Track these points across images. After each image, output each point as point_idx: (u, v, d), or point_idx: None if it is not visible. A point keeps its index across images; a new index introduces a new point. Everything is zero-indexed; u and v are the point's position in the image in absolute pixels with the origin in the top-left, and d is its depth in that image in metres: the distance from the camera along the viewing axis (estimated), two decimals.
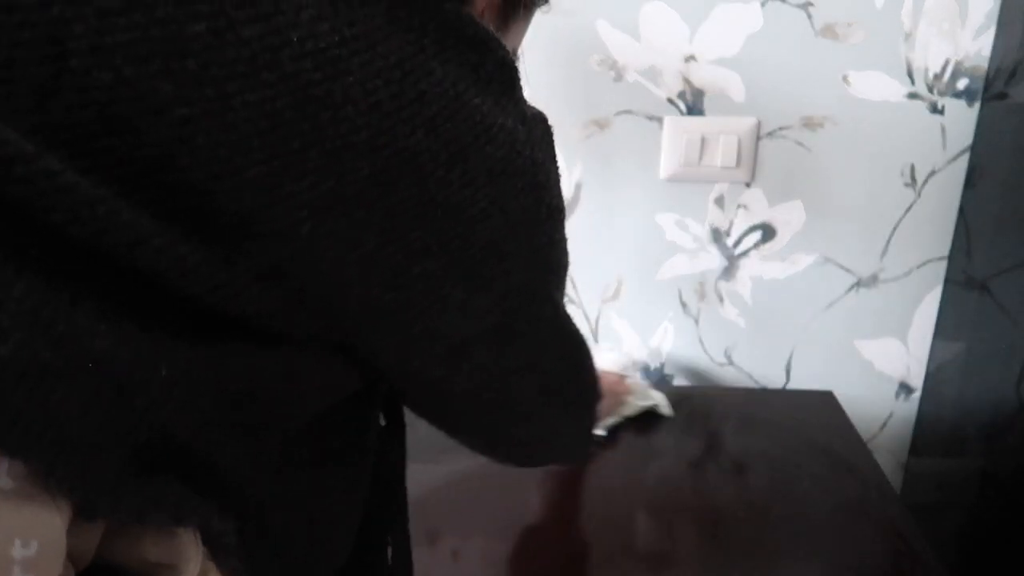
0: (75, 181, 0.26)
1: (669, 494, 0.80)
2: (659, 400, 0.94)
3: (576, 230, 1.01)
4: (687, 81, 0.93)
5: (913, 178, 0.96)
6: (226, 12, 0.27)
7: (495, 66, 0.34)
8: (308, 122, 0.28)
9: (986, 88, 0.90)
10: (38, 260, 0.26)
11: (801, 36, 0.90)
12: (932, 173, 0.95)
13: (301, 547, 0.40)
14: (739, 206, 0.99)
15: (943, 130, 0.93)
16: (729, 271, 1.02)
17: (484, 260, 0.34)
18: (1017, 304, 0.82)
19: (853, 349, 1.05)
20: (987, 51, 0.89)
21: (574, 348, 0.47)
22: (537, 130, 0.36)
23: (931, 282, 1.00)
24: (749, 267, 1.02)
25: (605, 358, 0.97)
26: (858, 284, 1.01)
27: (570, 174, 0.98)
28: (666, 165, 0.96)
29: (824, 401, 1.00)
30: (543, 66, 0.93)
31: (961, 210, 0.96)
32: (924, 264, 0.99)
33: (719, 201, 0.99)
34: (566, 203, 0.99)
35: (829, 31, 0.90)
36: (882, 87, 0.92)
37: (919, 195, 0.96)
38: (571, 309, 1.04)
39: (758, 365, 1.07)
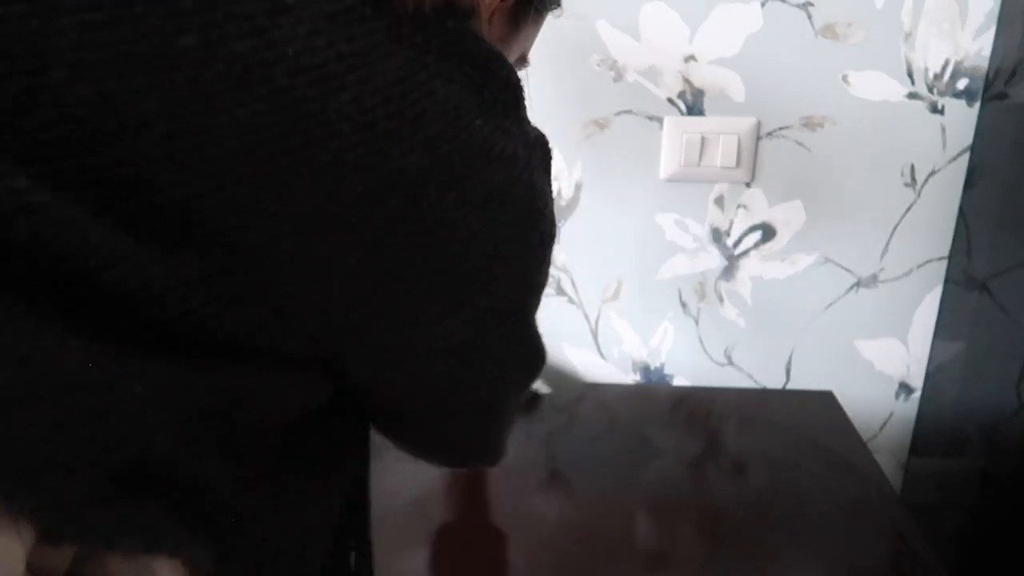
0: (43, 200, 0.25)
1: (669, 494, 0.80)
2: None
3: (576, 230, 1.01)
4: (687, 81, 0.93)
5: (913, 178, 0.96)
6: (219, 25, 0.26)
7: (500, 86, 0.33)
8: (299, 138, 0.27)
9: (986, 88, 0.90)
10: (1, 278, 0.25)
11: (801, 36, 0.90)
12: (932, 173, 0.95)
13: (277, 561, 0.40)
14: (739, 206, 0.99)
15: (943, 130, 0.93)
16: (729, 271, 1.02)
17: (468, 282, 0.34)
18: (1017, 304, 0.82)
19: (853, 349, 1.05)
20: (987, 51, 0.89)
21: (537, 360, 0.47)
22: (537, 154, 0.36)
23: (931, 282, 1.00)
24: (749, 267, 1.02)
25: None
26: (858, 284, 1.01)
27: (570, 174, 0.98)
28: (666, 165, 0.96)
29: (824, 401, 1.00)
30: (543, 66, 0.93)
31: (961, 210, 0.96)
32: (924, 264, 0.99)
33: (719, 201, 0.99)
34: (566, 203, 0.99)
35: (829, 31, 0.90)
36: (882, 87, 0.92)
37: (919, 195, 0.96)
38: (571, 309, 1.04)
39: (758, 365, 1.07)
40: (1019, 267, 0.82)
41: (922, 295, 1.01)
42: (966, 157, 0.94)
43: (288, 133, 0.27)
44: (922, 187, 0.96)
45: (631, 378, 1.09)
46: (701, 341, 1.06)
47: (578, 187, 0.99)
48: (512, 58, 0.50)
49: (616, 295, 1.04)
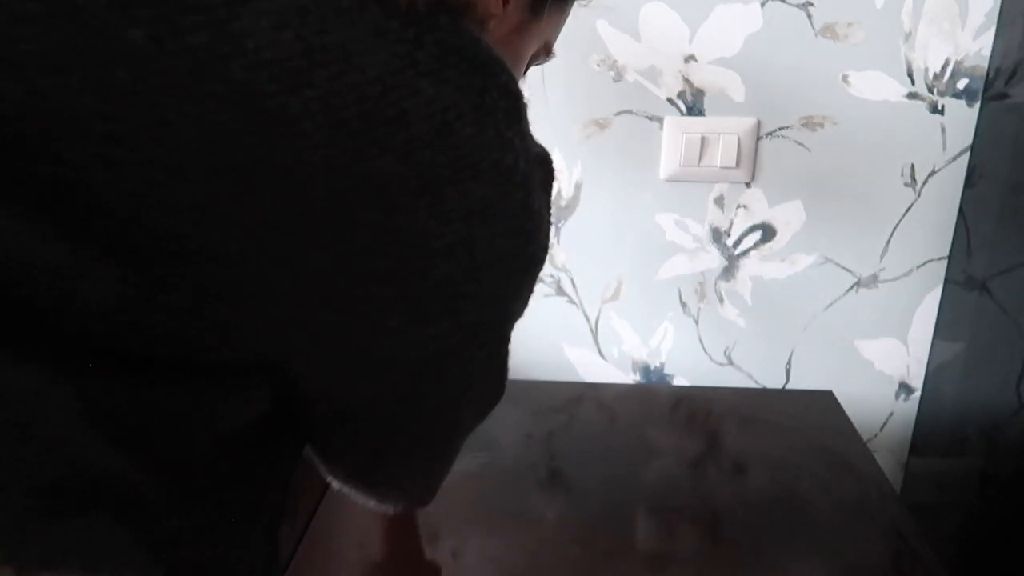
0: None
1: (669, 494, 0.80)
2: None
3: (576, 230, 1.01)
4: (687, 81, 0.93)
5: (913, 178, 0.96)
6: (169, 17, 0.24)
7: (500, 93, 0.31)
8: (257, 137, 0.25)
9: (986, 88, 0.90)
10: None
11: (801, 36, 0.90)
12: (932, 173, 0.95)
13: None
14: (739, 206, 0.99)
15: (943, 130, 0.93)
16: (729, 271, 1.02)
17: (436, 296, 0.32)
18: (1017, 304, 0.82)
19: (853, 349, 1.05)
20: (987, 51, 0.89)
21: (497, 394, 0.44)
22: (538, 172, 0.33)
23: (931, 282, 1.00)
24: (749, 267, 1.02)
25: None
26: (858, 284, 1.01)
27: (570, 174, 0.98)
28: (666, 165, 0.96)
29: (824, 401, 1.00)
30: (543, 66, 0.93)
31: (961, 210, 0.96)
32: (924, 264, 0.99)
33: (719, 201, 0.99)
34: (566, 203, 0.99)
35: (829, 31, 0.90)
36: (882, 87, 0.92)
37: (919, 195, 0.96)
38: (571, 309, 1.04)
39: (758, 365, 1.07)
40: (1019, 267, 0.82)
41: (922, 295, 1.01)
42: (966, 157, 0.94)
43: (245, 132, 0.25)
44: (922, 187, 0.96)
45: (631, 378, 1.09)
46: (701, 341, 1.06)
47: (578, 187, 0.99)
48: (532, 48, 0.47)
49: (616, 295, 1.04)
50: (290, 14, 0.26)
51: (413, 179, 0.28)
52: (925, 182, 0.96)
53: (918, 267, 1.00)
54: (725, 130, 0.94)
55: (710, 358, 1.07)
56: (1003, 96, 0.87)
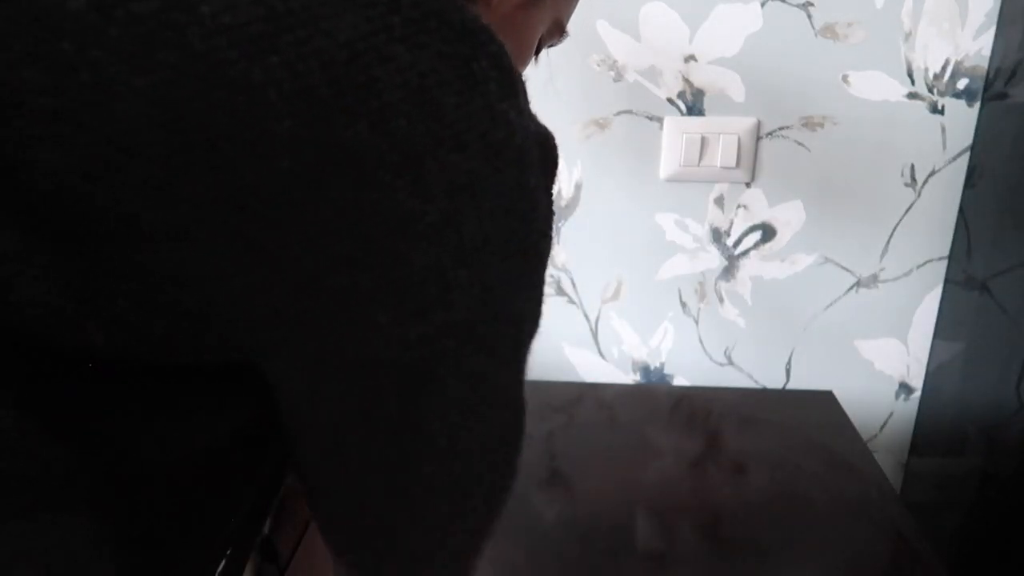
0: None
1: (669, 494, 0.80)
2: None
3: (576, 230, 1.01)
4: (687, 81, 0.93)
5: (913, 178, 0.96)
6: None
7: (490, 63, 0.28)
8: (218, 109, 0.24)
9: (986, 88, 0.90)
10: None
11: (801, 36, 0.90)
12: (932, 173, 0.95)
13: None
14: (739, 206, 0.99)
15: (943, 130, 0.93)
16: (729, 271, 1.02)
17: (422, 285, 0.28)
18: (1017, 304, 0.82)
19: (853, 349, 1.05)
20: (987, 51, 0.89)
21: (515, 430, 0.37)
22: (535, 152, 0.30)
23: (931, 282, 1.00)
24: (749, 267, 1.02)
25: None
26: (858, 284, 1.01)
27: (570, 174, 0.98)
28: (666, 165, 0.96)
29: (824, 401, 1.00)
30: (543, 66, 0.93)
31: (961, 210, 0.96)
32: (924, 264, 0.99)
33: (719, 201, 0.99)
34: (566, 203, 0.99)
35: (829, 31, 0.90)
36: (882, 87, 0.92)
37: (919, 195, 0.96)
38: (571, 309, 1.04)
39: (758, 365, 1.07)
40: (1019, 267, 0.82)
41: (922, 295, 1.01)
42: (966, 157, 0.94)
43: (204, 103, 0.23)
44: (922, 187, 0.96)
45: (631, 378, 1.09)
46: (701, 341, 1.06)
47: (578, 187, 0.99)
48: (542, 26, 0.45)
49: (616, 295, 1.04)
50: None
51: (389, 151, 0.26)
52: (925, 182, 0.96)
53: (918, 267, 1.00)
54: (725, 130, 0.94)
55: (710, 358, 1.07)
56: (1003, 96, 0.87)
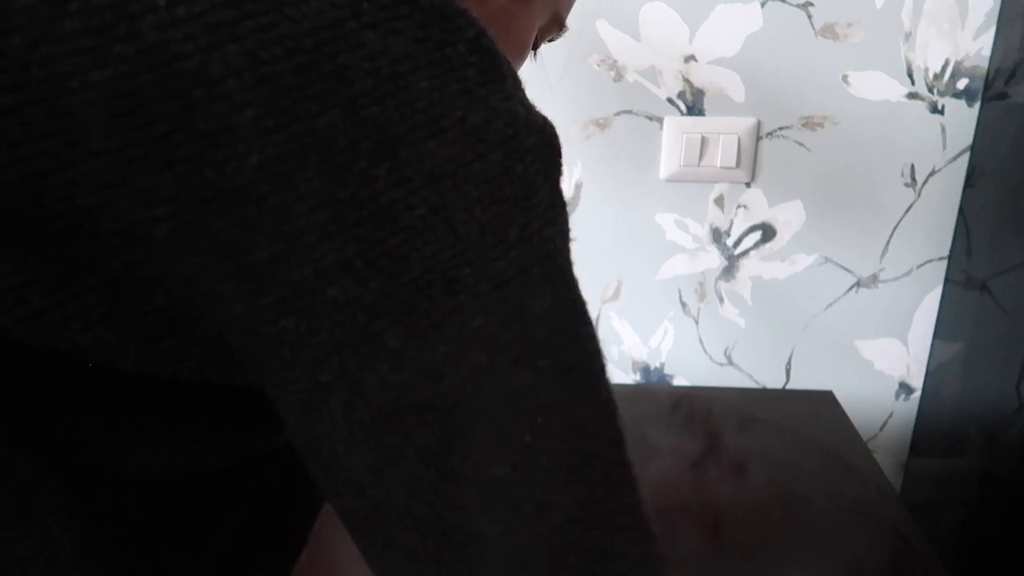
0: None
1: (669, 494, 0.80)
2: None
3: (576, 230, 1.01)
4: (687, 81, 0.93)
5: (913, 178, 0.96)
6: None
7: (468, 48, 0.27)
8: (175, 102, 0.23)
9: (986, 88, 0.90)
10: None
11: (801, 36, 0.90)
12: (932, 173, 0.95)
13: None
14: (739, 206, 0.99)
15: (943, 130, 0.93)
16: (729, 271, 1.02)
17: (428, 289, 0.26)
18: (1017, 304, 0.82)
19: (853, 349, 1.05)
20: (987, 51, 0.89)
21: (597, 473, 0.29)
22: (530, 139, 0.28)
23: (931, 282, 1.00)
24: (749, 267, 1.02)
25: None
26: (858, 284, 1.01)
27: (570, 174, 0.98)
28: (666, 165, 0.96)
29: (824, 401, 1.00)
30: (543, 66, 0.93)
31: (961, 210, 0.96)
32: (924, 264, 0.99)
33: (719, 201, 0.99)
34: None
35: (829, 31, 0.90)
36: (882, 87, 0.92)
37: (919, 195, 0.96)
38: None
39: (758, 365, 1.07)
40: (1019, 267, 0.82)
41: (922, 295, 1.01)
42: (966, 157, 0.94)
43: (162, 97, 0.23)
44: (922, 187, 0.96)
45: (631, 378, 1.09)
46: (701, 341, 1.06)
47: (578, 187, 0.99)
48: (539, 19, 0.43)
49: (616, 295, 1.04)
50: None
51: (363, 139, 0.24)
52: (925, 182, 0.96)
53: (918, 267, 1.00)
54: (725, 130, 0.94)
55: (710, 358, 1.07)
56: (1003, 96, 0.87)
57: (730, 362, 1.07)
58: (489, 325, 0.27)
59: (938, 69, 0.91)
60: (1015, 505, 0.81)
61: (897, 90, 0.92)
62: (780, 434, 0.92)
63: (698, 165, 0.95)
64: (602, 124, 0.96)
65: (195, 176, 0.23)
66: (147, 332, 0.26)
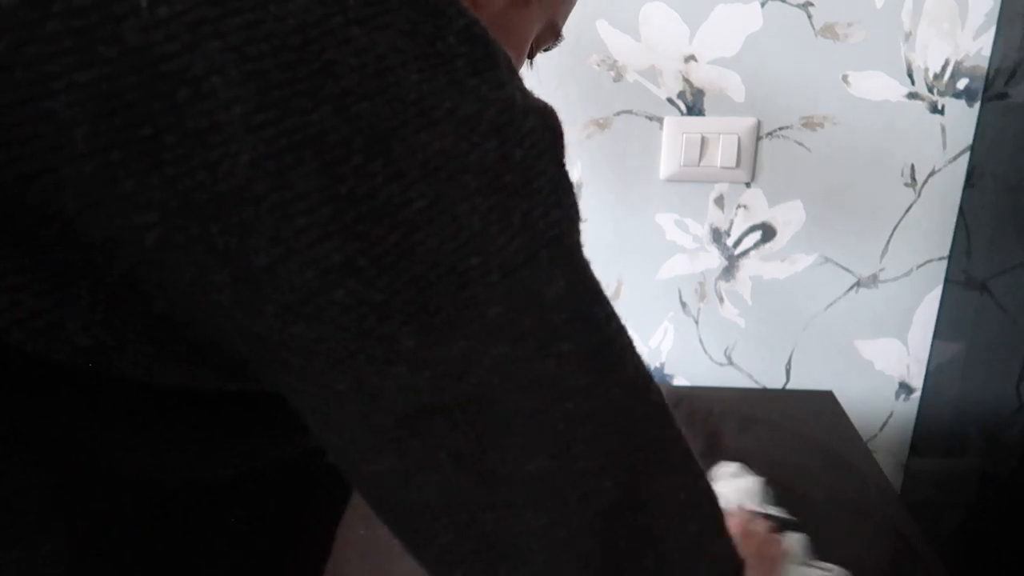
0: None
1: None
2: (829, 568, 0.67)
3: None
4: (687, 81, 0.93)
5: (913, 178, 0.96)
6: None
7: (458, 40, 0.26)
8: (161, 102, 0.22)
9: (986, 88, 0.90)
10: None
11: (801, 36, 0.90)
12: (932, 173, 0.95)
13: None
14: (739, 206, 0.99)
15: (943, 130, 0.93)
16: (729, 271, 1.02)
17: (438, 284, 0.25)
18: (1017, 304, 0.82)
19: (853, 349, 1.05)
20: (987, 51, 0.89)
21: (636, 455, 0.29)
22: (528, 123, 0.28)
23: (931, 282, 1.00)
24: (749, 267, 1.02)
25: (724, 486, 0.77)
26: (858, 284, 1.01)
27: (570, 174, 0.98)
28: (666, 165, 0.96)
29: (824, 401, 1.00)
30: (543, 66, 0.93)
31: (961, 210, 0.96)
32: (924, 264, 0.99)
33: (719, 201, 0.99)
34: None
35: (829, 31, 0.90)
36: (882, 87, 0.92)
37: (919, 195, 0.96)
38: None
39: (758, 365, 1.07)
40: (1019, 267, 0.82)
41: (922, 295, 1.01)
42: (966, 157, 0.94)
43: (147, 98, 0.22)
44: (922, 187, 0.96)
45: None
46: (701, 341, 1.06)
47: (578, 187, 0.99)
48: (534, 27, 0.43)
49: (616, 295, 1.04)
50: None
51: (355, 135, 0.24)
52: (925, 182, 0.96)
53: (918, 267, 1.00)
54: (725, 130, 0.94)
55: (710, 358, 1.07)
56: (1003, 96, 0.87)
57: (730, 362, 1.07)
58: (505, 314, 0.26)
59: (938, 69, 0.91)
60: (1015, 505, 0.81)
61: (897, 90, 0.92)
62: (780, 434, 0.92)
63: (698, 165, 0.95)
64: (602, 124, 0.96)
65: (186, 178, 0.23)
66: (148, 337, 0.26)
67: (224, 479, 0.33)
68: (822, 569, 0.67)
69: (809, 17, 0.89)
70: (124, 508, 0.31)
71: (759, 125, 0.94)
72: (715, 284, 1.03)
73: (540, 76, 0.93)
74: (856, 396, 1.06)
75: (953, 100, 0.92)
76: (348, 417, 0.26)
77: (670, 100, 0.94)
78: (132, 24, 0.22)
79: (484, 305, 0.26)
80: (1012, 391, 0.82)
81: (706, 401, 1.00)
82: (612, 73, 0.93)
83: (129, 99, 0.22)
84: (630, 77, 0.94)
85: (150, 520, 0.32)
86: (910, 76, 0.91)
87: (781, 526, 0.71)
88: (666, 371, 1.09)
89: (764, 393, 1.05)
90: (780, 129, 0.94)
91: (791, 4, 0.89)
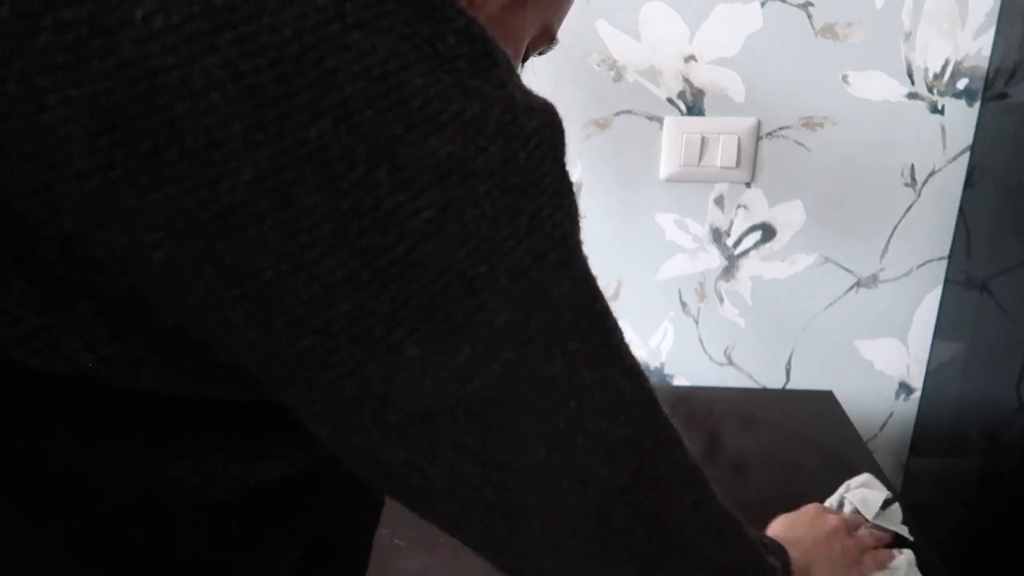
0: None
1: None
2: None
3: None
4: (687, 81, 0.93)
5: (913, 178, 0.96)
6: None
7: (458, 40, 0.26)
8: (159, 117, 0.22)
9: (986, 88, 0.90)
10: None
11: (801, 36, 0.90)
12: (932, 173, 0.95)
13: None
14: (739, 206, 0.99)
15: (943, 130, 0.93)
16: (729, 271, 1.02)
17: (446, 292, 0.25)
18: (1017, 304, 0.82)
19: (853, 349, 1.05)
20: (987, 51, 0.89)
21: (645, 437, 0.31)
22: (531, 123, 0.28)
23: (931, 282, 1.00)
24: (749, 267, 1.02)
25: (848, 492, 0.76)
26: (858, 284, 1.01)
27: (570, 173, 0.98)
28: (666, 165, 0.96)
29: (824, 401, 1.00)
30: (543, 66, 0.93)
31: (961, 210, 0.96)
32: (924, 264, 0.99)
33: (719, 201, 0.99)
34: None
35: (829, 31, 0.90)
36: (882, 87, 0.92)
37: (919, 195, 0.96)
38: None
39: (758, 365, 1.07)
40: (1019, 267, 0.82)
41: (922, 295, 1.01)
42: (966, 157, 0.94)
43: (144, 113, 0.22)
44: (922, 187, 0.96)
45: None
46: (701, 341, 1.06)
47: (578, 187, 0.99)
48: (529, 30, 0.42)
49: (616, 295, 1.04)
50: None
51: (358, 145, 0.23)
52: (925, 182, 0.96)
53: (918, 267, 1.00)
54: (725, 130, 0.94)
55: (710, 358, 1.07)
56: (1003, 96, 0.87)
57: (730, 362, 1.07)
58: (515, 319, 0.27)
59: (938, 69, 0.91)
60: (1015, 505, 0.81)
61: (897, 90, 0.92)
62: (780, 434, 0.92)
63: (698, 165, 0.95)
64: (602, 124, 0.96)
65: (188, 196, 0.22)
66: (154, 352, 0.25)
67: (247, 489, 0.32)
68: None
69: (809, 17, 0.89)
70: (122, 512, 0.31)
71: (759, 125, 0.94)
72: (715, 284, 1.03)
73: (539, 76, 0.93)
74: (856, 396, 1.06)
75: (953, 100, 0.92)
76: (358, 421, 0.26)
77: (670, 100, 0.94)
78: (127, 36, 0.21)
79: (495, 311, 0.26)
80: (1012, 391, 0.82)
81: (706, 401, 1.00)
82: (612, 73, 0.93)
83: (127, 114, 0.21)
84: (630, 77, 0.94)
85: (152, 529, 0.32)
86: (910, 76, 0.91)
87: (893, 541, 0.70)
88: (666, 371, 1.09)
89: (764, 393, 1.05)
90: (780, 129, 0.94)
91: (791, 4, 0.89)
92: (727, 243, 1.01)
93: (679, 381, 1.09)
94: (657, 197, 0.98)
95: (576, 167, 0.98)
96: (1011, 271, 0.84)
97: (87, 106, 0.21)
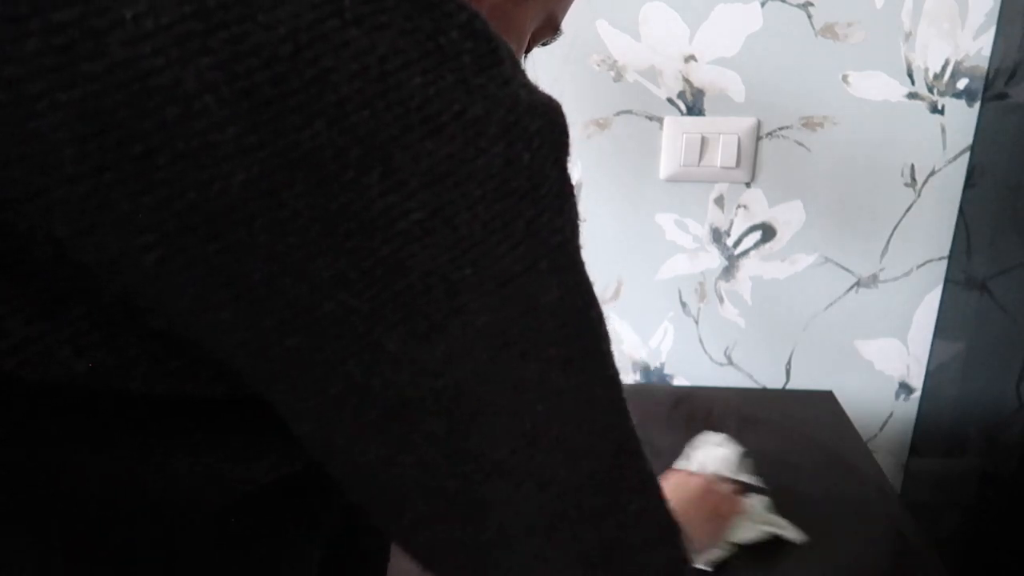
0: None
1: None
2: (783, 525, 0.74)
3: None
4: (687, 81, 0.93)
5: (913, 178, 0.96)
6: None
7: (461, 35, 0.25)
8: (151, 120, 0.21)
9: (986, 88, 0.90)
10: None
11: (801, 36, 0.90)
12: (932, 173, 0.95)
13: None
14: (739, 206, 0.99)
15: (943, 130, 0.93)
16: (729, 271, 1.02)
17: (427, 294, 0.25)
18: (1017, 304, 0.82)
19: (853, 349, 1.05)
20: (987, 51, 0.89)
21: (607, 444, 0.32)
22: (534, 124, 0.27)
23: (931, 282, 1.00)
24: (749, 267, 1.02)
25: (704, 453, 0.84)
26: (858, 284, 1.01)
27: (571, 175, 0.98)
28: (666, 165, 0.96)
29: (824, 401, 1.00)
30: (543, 66, 0.93)
31: (961, 210, 0.96)
32: (924, 264, 0.99)
33: (719, 201, 0.99)
34: None
35: (829, 31, 0.90)
36: (882, 87, 0.92)
37: (919, 195, 0.96)
38: None
39: (758, 365, 1.07)
40: (1019, 267, 0.82)
41: (922, 295, 1.01)
42: (966, 157, 0.94)
43: (135, 115, 0.21)
44: (922, 187, 0.96)
45: (631, 378, 1.09)
46: (701, 341, 1.06)
47: (578, 187, 0.99)
48: (533, 21, 0.42)
49: (616, 295, 1.04)
50: None
51: (351, 147, 0.23)
52: (925, 182, 0.96)
53: (918, 267, 1.00)
54: (725, 130, 0.94)
55: (710, 358, 1.07)
56: (1003, 96, 0.87)
57: (730, 362, 1.07)
58: (494, 322, 0.27)
59: (938, 69, 0.91)
60: (1015, 505, 0.81)
61: (897, 90, 0.92)
62: (780, 434, 0.92)
63: (698, 165, 0.95)
64: (602, 124, 0.96)
65: (180, 199, 0.22)
66: (145, 354, 0.25)
67: (247, 494, 0.32)
68: (777, 526, 0.73)
69: (809, 17, 0.89)
70: (123, 517, 0.31)
71: (759, 125, 0.94)
72: (715, 284, 1.03)
73: (540, 76, 0.93)
74: (856, 396, 1.06)
75: (953, 100, 0.92)
76: (337, 417, 0.26)
77: (670, 100, 0.94)
78: (117, 37, 0.21)
79: (474, 314, 0.26)
80: (1012, 391, 0.82)
81: (706, 401, 1.00)
82: (612, 73, 0.93)
83: (118, 117, 0.21)
84: (630, 77, 0.94)
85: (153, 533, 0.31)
86: (910, 76, 0.91)
87: (746, 489, 0.77)
88: (666, 371, 1.09)
89: (764, 393, 1.05)
90: (780, 129, 0.94)
91: (791, 4, 0.89)
92: (727, 243, 1.01)
93: (679, 381, 1.09)
94: (657, 197, 0.98)
95: (576, 167, 0.98)
96: (1011, 271, 0.84)
97: (77, 110, 0.21)
